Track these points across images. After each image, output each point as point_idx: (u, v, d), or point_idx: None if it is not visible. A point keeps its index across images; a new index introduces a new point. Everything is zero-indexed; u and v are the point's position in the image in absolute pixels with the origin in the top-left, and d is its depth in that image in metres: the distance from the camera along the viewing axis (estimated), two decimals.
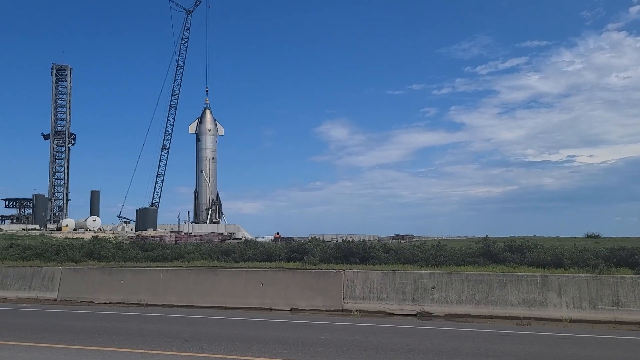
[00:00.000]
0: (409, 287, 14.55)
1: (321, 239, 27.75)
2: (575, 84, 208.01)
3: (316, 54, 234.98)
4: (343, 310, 14.76)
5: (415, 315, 14.11)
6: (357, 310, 14.47)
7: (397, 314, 14.25)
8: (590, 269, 14.57)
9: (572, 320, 12.87)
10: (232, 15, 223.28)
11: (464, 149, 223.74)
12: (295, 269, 16.32)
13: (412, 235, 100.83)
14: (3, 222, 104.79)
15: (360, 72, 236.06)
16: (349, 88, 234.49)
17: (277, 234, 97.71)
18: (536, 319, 13.18)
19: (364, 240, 21.69)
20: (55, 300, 17.82)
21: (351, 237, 67.06)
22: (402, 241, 52.94)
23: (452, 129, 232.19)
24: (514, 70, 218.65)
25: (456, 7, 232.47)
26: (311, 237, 28.35)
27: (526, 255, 16.84)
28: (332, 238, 68.62)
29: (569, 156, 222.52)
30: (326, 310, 14.87)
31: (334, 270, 15.61)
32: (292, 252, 19.77)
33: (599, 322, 12.80)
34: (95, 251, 22.76)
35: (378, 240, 37.95)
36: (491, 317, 13.47)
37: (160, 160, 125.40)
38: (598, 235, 58.23)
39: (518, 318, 13.24)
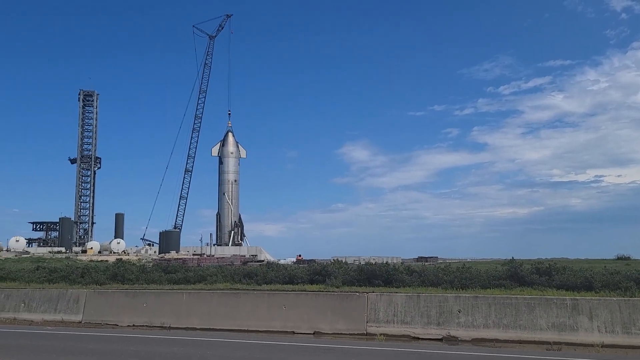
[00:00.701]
0: (434, 310, 14.27)
1: (343, 261, 27.54)
2: (601, 103, 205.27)
3: (337, 76, 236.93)
4: (367, 334, 14.52)
5: (440, 339, 13.80)
6: (381, 334, 14.22)
7: (422, 338, 13.96)
8: (622, 292, 14.10)
9: (604, 345, 12.43)
10: (254, 39, 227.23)
11: (487, 169, 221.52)
12: (318, 291, 16.16)
13: (436, 257, 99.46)
14: (30, 245, 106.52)
15: (381, 94, 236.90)
16: (370, 110, 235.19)
17: (299, 256, 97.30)
18: (567, 343, 12.77)
19: (387, 263, 21.43)
20: (80, 322, 17.93)
21: (374, 259, 66.51)
22: (426, 263, 52.21)
23: (475, 150, 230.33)
24: (537, 89, 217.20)
25: (477, 28, 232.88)
26: (333, 260, 28.18)
27: (554, 278, 16.40)
28: (354, 260, 68.08)
29: (596, 176, 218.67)
30: (350, 334, 14.65)
31: (357, 293, 15.41)
32: (315, 275, 19.61)
33: (633, 347, 12.34)
34: (119, 274, 22.92)
35: (401, 263, 37.55)
36: (520, 341, 13.10)
37: (183, 183, 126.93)
38: (629, 257, 56.69)
39: (548, 343, 12.84)
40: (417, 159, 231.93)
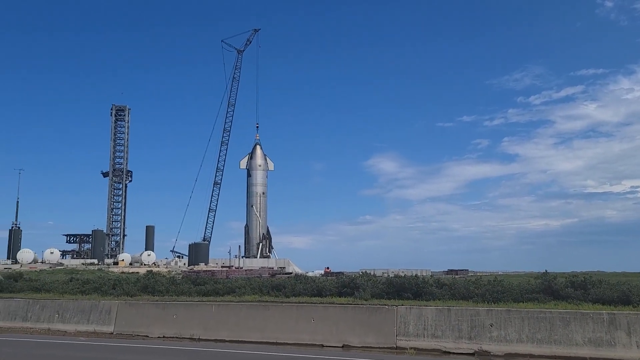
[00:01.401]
0: (465, 324, 14.00)
1: (372, 273, 27.30)
2: (636, 112, 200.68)
3: (364, 89, 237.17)
4: (397, 348, 14.32)
5: (472, 354, 13.52)
6: (411, 348, 14.01)
7: (453, 353, 13.70)
8: None
9: None
10: (281, 53, 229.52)
11: (518, 180, 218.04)
12: (347, 304, 16.05)
13: (467, 270, 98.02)
14: (64, 257, 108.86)
15: (409, 105, 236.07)
16: (397, 121, 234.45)
17: (327, 268, 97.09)
18: (604, 359, 12.36)
19: (416, 275, 21.16)
20: (112, 333, 18.17)
21: (403, 271, 65.84)
22: (456, 276, 51.46)
23: (506, 161, 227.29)
24: (569, 99, 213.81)
25: (506, 38, 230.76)
26: (362, 272, 27.94)
27: (590, 292, 15.90)
28: (383, 273, 67.57)
29: (632, 187, 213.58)
30: (379, 348, 14.47)
31: (386, 306, 15.25)
32: (343, 287, 19.48)
33: None
34: (150, 285, 23.18)
35: (431, 275, 37.08)
36: (554, 357, 12.73)
37: (212, 195, 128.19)
38: None
39: (584, 359, 12.46)
40: (446, 171, 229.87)
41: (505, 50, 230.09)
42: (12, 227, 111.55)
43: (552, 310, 13.66)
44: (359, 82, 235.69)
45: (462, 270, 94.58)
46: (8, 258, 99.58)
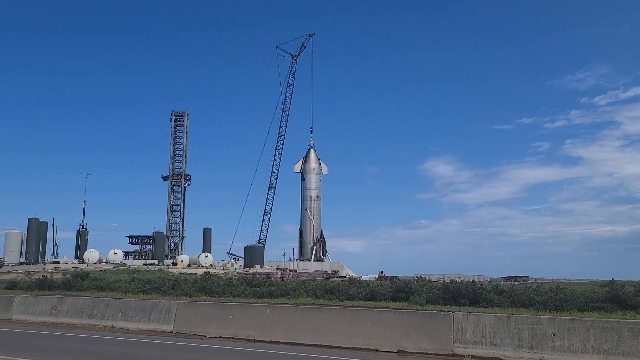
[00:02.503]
0: (526, 332, 13.51)
1: (427, 278, 26.86)
2: None
3: (418, 91, 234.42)
4: (453, 355, 13.99)
5: None
6: (468, 356, 13.65)
7: None
8: None
9: None
10: (335, 57, 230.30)
11: (582, 184, 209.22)
12: (402, 309, 15.84)
13: (527, 276, 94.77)
14: (127, 258, 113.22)
15: (465, 108, 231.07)
16: (453, 124, 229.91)
17: (382, 272, 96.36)
18: None
19: (473, 281, 20.66)
20: (171, 332, 18.71)
21: (459, 277, 64.44)
22: (515, 283, 49.82)
23: (568, 164, 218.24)
24: (637, 99, 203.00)
25: (568, 37, 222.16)
26: (417, 277, 27.58)
27: None
28: (438, 278, 66.38)
29: None
30: (435, 354, 14.19)
31: (443, 312, 14.94)
32: (398, 292, 19.28)
33: None
34: (207, 286, 23.74)
35: (489, 282, 36.09)
36: None
37: (267, 199, 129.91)
38: None
39: None
40: (504, 174, 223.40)
41: (568, 49, 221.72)
42: (80, 228, 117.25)
43: (620, 320, 12.96)
44: (413, 85, 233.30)
45: (522, 277, 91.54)
46: (75, 258, 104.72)
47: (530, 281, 73.94)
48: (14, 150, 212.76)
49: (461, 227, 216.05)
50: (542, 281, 67.31)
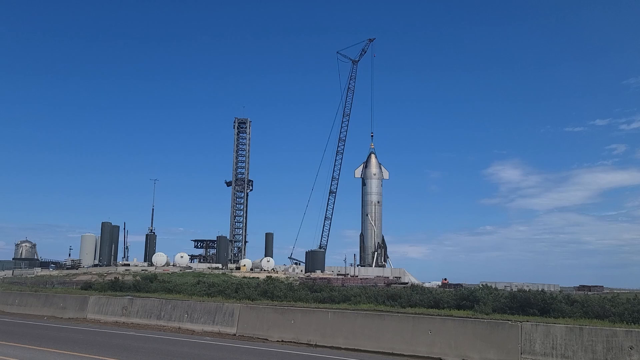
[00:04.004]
0: (600, 345, 12.79)
1: (493, 286, 26.02)
2: None
3: (483, 92, 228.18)
4: None
5: None
6: None
7: None
8: None
9: None
10: (395, 61, 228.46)
11: None
12: (466, 317, 15.41)
13: (601, 286, 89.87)
14: (192, 261, 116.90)
15: (533, 109, 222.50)
16: (521, 126, 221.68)
17: (445, 279, 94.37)
18: None
19: (542, 290, 19.84)
20: (234, 335, 19.08)
21: (527, 286, 62.09)
22: (589, 293, 47.45)
23: None
24: None
25: None
26: (482, 285, 26.78)
27: None
28: (505, 286, 64.18)
29: None
30: None
31: (510, 322, 14.40)
32: (462, 300, 18.81)
33: None
34: (269, 290, 24.09)
35: (560, 291, 34.52)
36: None
37: (327, 204, 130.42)
38: None
39: None
40: (576, 179, 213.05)
41: None
42: (148, 232, 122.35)
43: None
44: (476, 85, 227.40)
45: (596, 286, 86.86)
46: (145, 260, 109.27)
47: (605, 291, 70.08)
48: (89, 154, 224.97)
49: (529, 233, 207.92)
50: (618, 291, 63.61)
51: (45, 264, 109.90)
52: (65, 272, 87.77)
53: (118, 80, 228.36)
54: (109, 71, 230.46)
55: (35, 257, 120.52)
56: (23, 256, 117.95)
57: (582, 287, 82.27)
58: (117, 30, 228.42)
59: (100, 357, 13.39)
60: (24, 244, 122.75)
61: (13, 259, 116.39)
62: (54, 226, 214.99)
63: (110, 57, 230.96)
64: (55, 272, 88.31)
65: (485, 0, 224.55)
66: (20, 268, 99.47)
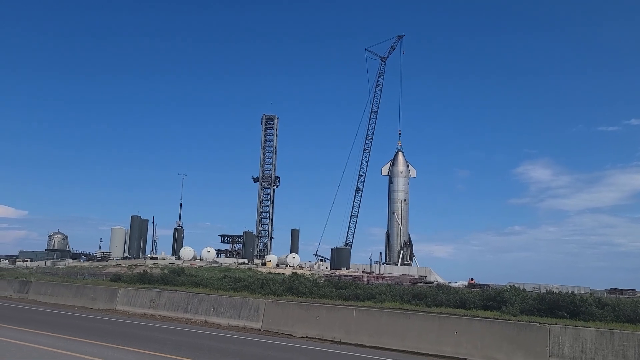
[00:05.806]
0: (632, 350, 12.48)
1: (521, 288, 25.60)
2: None
3: (512, 90, 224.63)
4: None
5: None
6: None
7: None
8: None
9: None
10: (424, 58, 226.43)
11: None
12: (493, 318, 15.21)
13: (634, 290, 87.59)
14: (219, 256, 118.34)
15: (565, 108, 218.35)
16: (551, 126, 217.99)
17: (472, 279, 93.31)
18: None
19: (572, 293, 19.43)
20: (260, 330, 19.23)
21: (556, 287, 61.01)
22: (621, 296, 46.34)
23: None
24: None
25: None
26: (510, 286, 26.37)
27: None
28: (533, 288, 63.18)
29: None
30: None
31: (538, 324, 14.16)
32: (489, 301, 18.56)
33: None
34: (294, 286, 24.17)
35: (590, 294, 33.76)
36: None
37: (354, 201, 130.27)
38: None
39: None
40: (609, 179, 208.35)
41: None
42: (176, 226, 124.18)
43: None
44: (506, 83, 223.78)
45: (629, 290, 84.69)
46: (172, 254, 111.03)
47: (637, 295, 68.31)
48: (120, 149, 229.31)
49: (559, 234, 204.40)
50: None
51: (76, 256, 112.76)
52: (96, 263, 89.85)
53: (151, 78, 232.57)
54: (142, 69, 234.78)
55: (67, 249, 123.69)
56: (55, 247, 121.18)
57: (613, 290, 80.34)
58: (160, 31, 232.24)
59: (129, 348, 13.67)
60: (56, 236, 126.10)
61: (46, 250, 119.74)
62: (86, 219, 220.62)
63: (142, 55, 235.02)
64: (86, 264, 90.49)
65: (518, 8, 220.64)
66: (53, 259, 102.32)
